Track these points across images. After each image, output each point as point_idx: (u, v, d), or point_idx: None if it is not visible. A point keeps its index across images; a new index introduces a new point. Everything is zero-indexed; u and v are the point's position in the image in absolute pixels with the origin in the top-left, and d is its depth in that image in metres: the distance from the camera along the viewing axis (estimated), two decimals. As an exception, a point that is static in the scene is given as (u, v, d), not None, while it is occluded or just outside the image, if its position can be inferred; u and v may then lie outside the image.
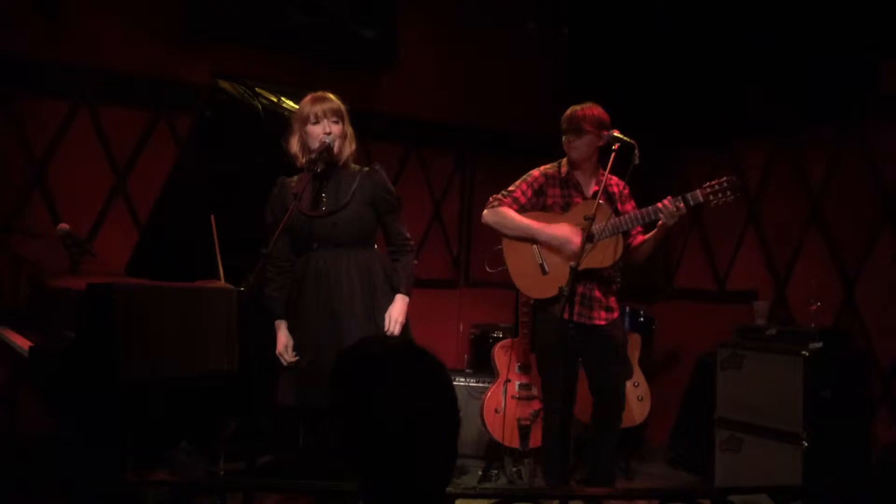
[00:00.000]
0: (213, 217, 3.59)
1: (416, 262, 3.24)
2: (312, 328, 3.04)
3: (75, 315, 2.97)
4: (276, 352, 3.07)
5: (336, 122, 3.05)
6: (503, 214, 3.57)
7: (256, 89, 3.94)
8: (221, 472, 3.73)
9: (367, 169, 3.13)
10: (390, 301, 3.10)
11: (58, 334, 3.10)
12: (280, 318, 3.11)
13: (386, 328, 3.03)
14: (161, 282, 3.21)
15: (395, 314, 3.05)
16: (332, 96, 3.10)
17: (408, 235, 3.21)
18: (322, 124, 3.03)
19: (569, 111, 3.56)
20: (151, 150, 4.43)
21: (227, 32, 4.48)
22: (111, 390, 2.76)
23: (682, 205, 3.36)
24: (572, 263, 3.13)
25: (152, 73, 4.40)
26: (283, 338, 3.09)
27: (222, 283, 3.40)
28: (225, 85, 3.72)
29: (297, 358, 3.06)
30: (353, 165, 3.14)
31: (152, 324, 2.90)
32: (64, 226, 3.64)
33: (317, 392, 2.95)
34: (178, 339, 2.98)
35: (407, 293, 3.11)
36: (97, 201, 4.32)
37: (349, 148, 3.10)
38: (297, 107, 4.11)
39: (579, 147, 3.52)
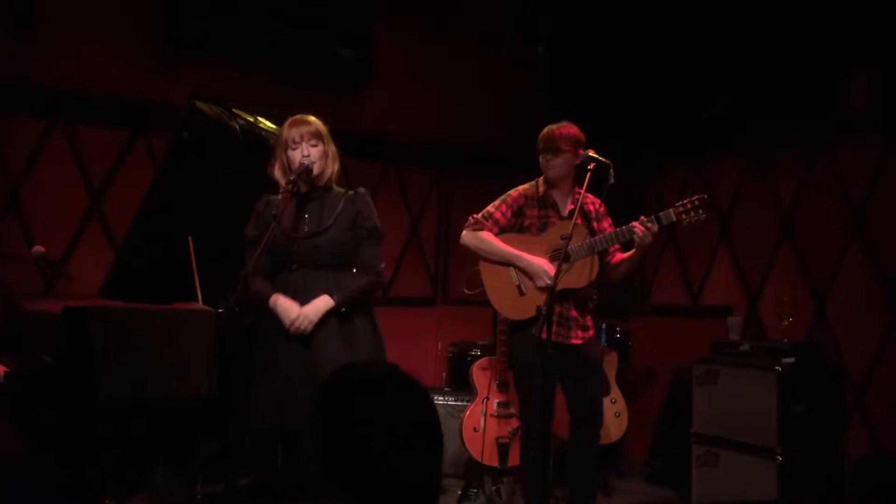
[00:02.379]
0: (190, 238, 3.58)
1: (376, 289, 3.15)
2: (288, 348, 3.02)
3: (52, 339, 2.94)
4: (291, 321, 2.94)
5: (315, 145, 3.06)
6: (483, 239, 3.60)
7: (234, 110, 3.94)
8: (199, 496, 3.70)
9: (351, 192, 3.13)
10: (368, 325, 3.08)
11: (33, 358, 3.06)
12: (274, 293, 3.00)
13: (290, 321, 2.94)
14: (138, 304, 3.19)
15: (308, 310, 2.93)
16: (311, 119, 3.11)
17: (380, 265, 3.14)
18: (300, 148, 3.04)
19: (545, 130, 3.60)
20: (128, 170, 4.41)
21: (205, 52, 4.49)
22: (89, 414, 2.74)
23: (654, 224, 3.41)
24: (550, 283, 3.16)
25: (129, 92, 4.39)
26: (289, 304, 2.97)
27: (200, 304, 3.39)
28: (202, 106, 3.72)
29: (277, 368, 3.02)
30: (337, 188, 3.15)
31: (130, 347, 2.89)
32: (38, 248, 3.60)
33: (292, 412, 2.92)
34: (156, 362, 2.97)
35: (338, 301, 2.98)
36: (72, 223, 4.29)
37: (331, 168, 3.10)
38: (273, 126, 4.13)
39: (556, 166, 3.56)
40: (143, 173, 4.30)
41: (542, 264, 3.50)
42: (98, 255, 4.22)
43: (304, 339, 2.97)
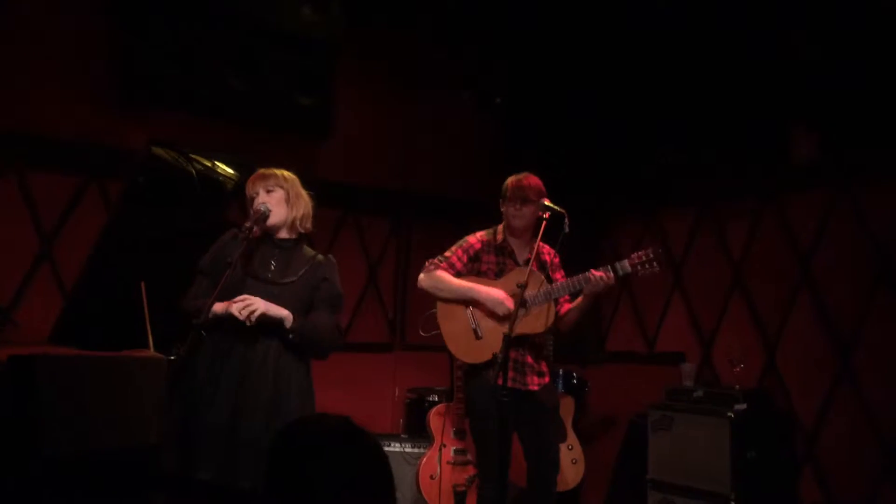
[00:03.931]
0: (143, 284, 3.53)
1: (336, 346, 3.09)
2: (217, 395, 2.88)
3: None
4: (241, 299, 2.84)
5: (271, 191, 3.06)
6: (438, 278, 3.62)
7: (191, 155, 3.94)
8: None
9: (321, 257, 3.13)
10: (304, 388, 2.99)
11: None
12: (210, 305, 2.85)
13: (234, 304, 2.84)
14: (87, 351, 3.13)
15: (260, 302, 2.83)
16: (273, 171, 3.10)
17: (341, 328, 3.16)
18: (257, 199, 3.06)
19: (513, 180, 3.64)
20: (80, 216, 4.34)
21: (163, 98, 4.47)
22: (33, 467, 2.65)
23: (611, 274, 3.46)
24: (505, 331, 3.18)
25: (84, 138, 4.34)
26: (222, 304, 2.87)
27: (152, 352, 3.33)
28: (159, 151, 3.71)
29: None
30: (308, 249, 3.14)
31: (78, 396, 2.81)
32: (-15, 294, 3.53)
33: (205, 462, 2.80)
34: (104, 411, 2.89)
35: (293, 326, 2.91)
36: (21, 268, 4.19)
37: (294, 213, 3.08)
38: (232, 171, 4.12)
39: (525, 216, 3.61)
40: (95, 219, 4.23)
41: (498, 294, 3.52)
42: (48, 302, 4.12)
43: (237, 391, 2.88)
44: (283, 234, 3.10)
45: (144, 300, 3.48)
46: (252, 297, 2.87)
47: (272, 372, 2.93)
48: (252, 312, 2.81)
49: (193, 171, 3.93)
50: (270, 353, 2.94)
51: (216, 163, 4.19)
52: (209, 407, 2.88)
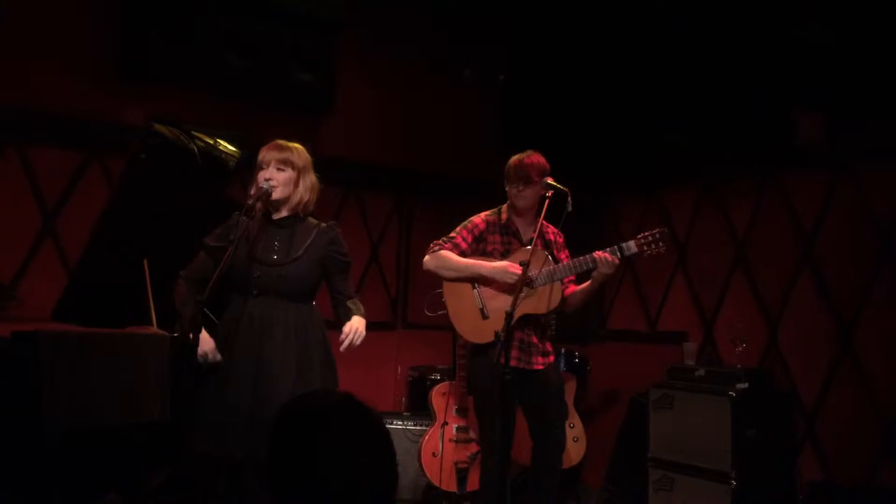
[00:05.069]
0: (145, 261, 3.52)
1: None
2: (239, 374, 2.95)
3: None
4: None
5: (281, 170, 3.03)
6: (443, 257, 3.61)
7: (193, 132, 3.91)
8: (150, 524, 3.60)
9: (323, 225, 3.12)
10: (324, 358, 3.04)
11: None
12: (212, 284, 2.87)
13: (344, 335, 2.96)
14: (91, 328, 3.13)
15: (358, 324, 2.99)
16: (289, 145, 3.07)
17: (353, 293, 3.19)
18: (265, 171, 3.03)
19: (515, 160, 3.61)
20: (83, 191, 4.34)
21: (164, 75, 4.45)
22: (36, 444, 2.66)
23: (617, 256, 3.45)
24: (508, 310, 3.17)
25: (86, 113, 4.33)
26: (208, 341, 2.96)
27: (155, 329, 3.33)
28: (160, 128, 3.67)
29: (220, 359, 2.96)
30: (311, 220, 3.12)
31: (81, 373, 2.81)
32: (-13, 270, 3.52)
33: (236, 440, 2.87)
34: (107, 388, 2.90)
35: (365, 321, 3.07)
36: (24, 245, 4.19)
37: (299, 196, 3.06)
38: (234, 149, 4.10)
39: (528, 196, 3.58)
40: (97, 195, 4.22)
41: (505, 266, 3.51)
42: (51, 278, 4.11)
43: (259, 371, 2.91)
44: (283, 213, 3.09)
45: (147, 277, 3.48)
46: (355, 323, 2.98)
47: (295, 345, 2.96)
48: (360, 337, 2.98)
49: (195, 149, 3.89)
50: (291, 328, 2.96)
51: (218, 140, 4.15)
52: (234, 382, 2.93)
